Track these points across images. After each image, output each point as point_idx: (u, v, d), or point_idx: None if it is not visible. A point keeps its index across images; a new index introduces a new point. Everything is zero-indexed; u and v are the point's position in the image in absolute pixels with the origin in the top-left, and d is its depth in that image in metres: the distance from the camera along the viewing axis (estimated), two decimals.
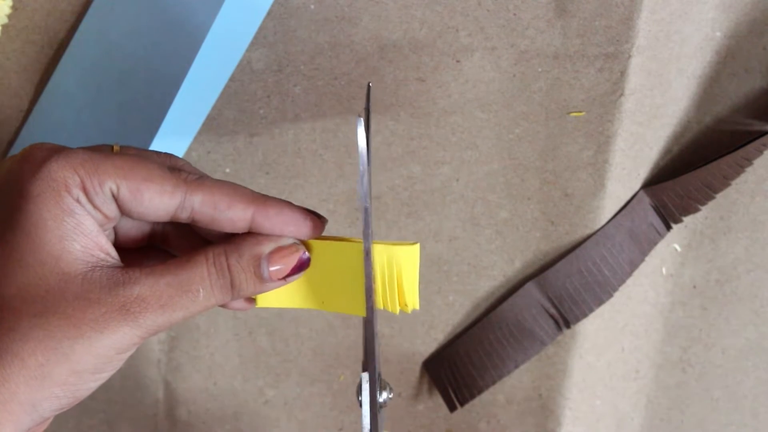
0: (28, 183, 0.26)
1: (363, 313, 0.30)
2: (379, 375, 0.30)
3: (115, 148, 0.30)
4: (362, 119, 0.28)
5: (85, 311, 0.26)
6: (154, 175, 0.27)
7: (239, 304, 0.31)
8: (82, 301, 0.26)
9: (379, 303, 0.31)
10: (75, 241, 0.26)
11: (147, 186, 0.27)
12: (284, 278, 0.29)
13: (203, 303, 0.28)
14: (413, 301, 0.31)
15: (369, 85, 0.33)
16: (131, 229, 0.31)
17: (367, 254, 0.29)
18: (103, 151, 0.28)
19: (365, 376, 0.29)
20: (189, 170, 0.30)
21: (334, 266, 0.31)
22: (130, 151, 0.30)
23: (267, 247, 0.29)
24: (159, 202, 0.27)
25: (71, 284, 0.26)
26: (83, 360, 0.26)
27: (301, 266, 0.29)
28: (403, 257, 0.30)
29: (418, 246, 0.31)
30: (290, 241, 0.29)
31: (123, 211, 0.28)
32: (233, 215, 0.28)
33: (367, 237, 0.29)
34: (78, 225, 0.26)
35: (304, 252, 0.30)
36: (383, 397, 0.30)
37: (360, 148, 0.28)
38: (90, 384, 0.27)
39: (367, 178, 0.28)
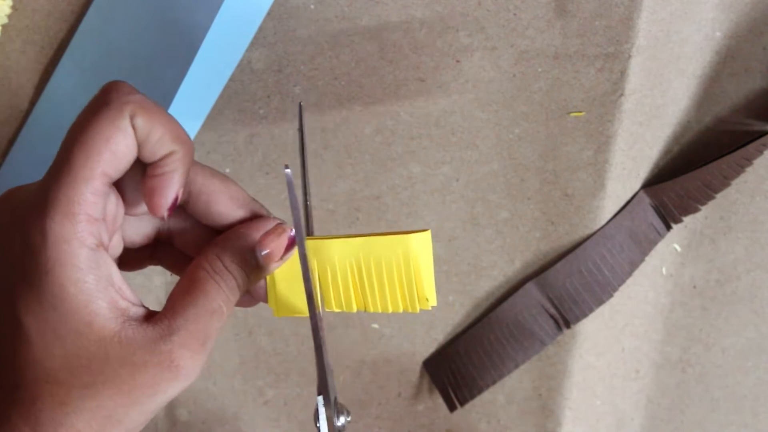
0: (42, 257, 0.25)
1: (374, 309, 0.30)
2: (335, 399, 0.30)
3: None
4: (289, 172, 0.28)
5: (135, 377, 0.26)
6: (104, 135, 0.26)
7: (243, 302, 0.32)
8: (128, 367, 0.26)
9: (397, 305, 0.30)
10: (100, 300, 0.26)
11: (117, 148, 0.26)
12: (280, 259, 0.30)
13: (226, 314, 0.28)
14: (432, 294, 0.30)
15: (300, 105, 0.32)
16: (136, 237, 0.31)
17: (303, 258, 0.29)
18: (58, 157, 0.27)
19: (320, 399, 0.29)
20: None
21: (337, 264, 0.30)
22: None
23: (252, 237, 0.29)
24: (125, 147, 0.27)
25: (110, 348, 0.26)
26: (137, 420, 0.27)
27: (292, 244, 0.30)
28: (417, 246, 0.29)
29: (429, 232, 0.30)
30: (273, 224, 0.30)
31: (120, 171, 0.27)
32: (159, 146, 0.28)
33: (302, 243, 0.29)
34: (98, 280, 0.26)
35: (291, 230, 0.30)
36: (341, 421, 0.29)
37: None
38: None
39: (298, 196, 0.28)
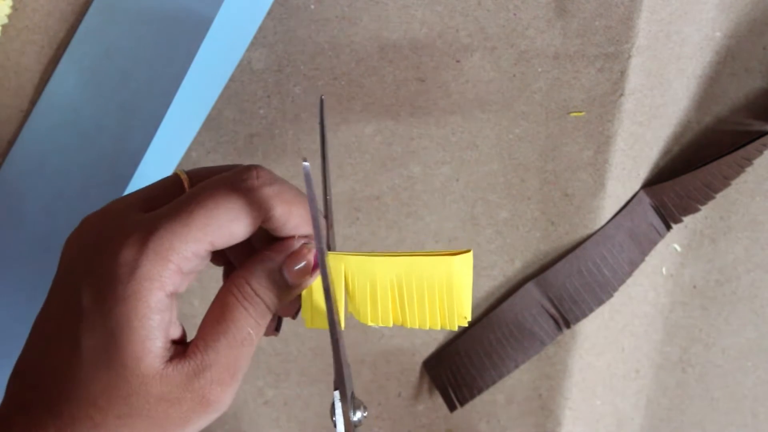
0: (121, 287, 0.26)
1: (411, 324, 0.30)
2: (353, 394, 0.30)
3: (182, 176, 0.30)
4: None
5: (168, 412, 0.27)
6: (232, 214, 0.27)
7: (267, 329, 0.32)
8: (163, 403, 0.27)
9: (436, 323, 0.30)
10: (157, 339, 0.27)
11: (238, 230, 0.28)
12: (310, 276, 0.30)
13: (256, 339, 0.29)
14: (468, 311, 0.30)
15: (322, 99, 0.32)
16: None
17: (323, 267, 0.29)
18: (181, 205, 0.28)
19: (337, 394, 0.29)
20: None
21: (377, 281, 0.30)
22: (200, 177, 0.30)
23: (279, 259, 0.29)
24: (244, 229, 0.28)
25: (151, 386, 0.27)
26: None
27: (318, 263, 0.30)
28: (460, 268, 0.29)
29: (471, 253, 0.30)
30: (299, 244, 0.30)
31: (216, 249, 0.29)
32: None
33: (322, 252, 0.29)
34: (162, 321, 0.27)
35: (315, 250, 0.30)
36: (357, 416, 0.30)
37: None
38: None
39: (314, 197, 0.28)
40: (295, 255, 0.29)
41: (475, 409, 0.49)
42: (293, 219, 0.29)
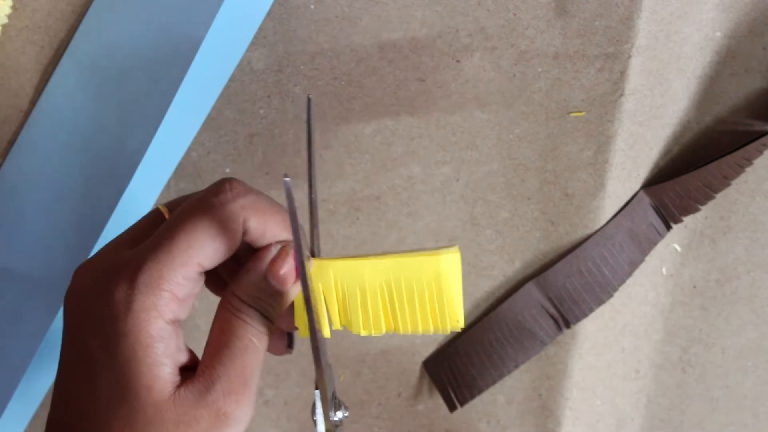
0: (121, 322, 0.27)
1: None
2: (334, 394, 0.30)
3: (162, 209, 0.30)
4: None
5: None
6: (212, 231, 0.28)
7: (278, 347, 0.33)
8: (182, 426, 0.27)
9: (428, 326, 0.30)
10: (165, 366, 0.27)
11: (221, 246, 0.28)
12: (296, 281, 0.30)
13: (261, 348, 0.29)
14: (461, 314, 0.30)
15: (309, 98, 0.32)
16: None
17: (304, 269, 0.29)
18: (162, 233, 0.28)
19: (317, 393, 0.29)
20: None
21: (367, 286, 0.30)
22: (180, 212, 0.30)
23: (262, 267, 0.29)
24: (227, 244, 0.28)
25: (166, 411, 0.27)
26: None
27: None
28: (448, 266, 0.29)
29: (457, 251, 0.29)
30: (275, 250, 0.30)
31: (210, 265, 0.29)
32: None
33: (303, 266, 0.29)
34: (167, 349, 0.27)
35: (293, 251, 0.30)
36: (338, 416, 0.30)
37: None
38: None
39: (299, 229, 0.28)
40: (276, 261, 0.29)
41: (475, 409, 0.49)
42: (270, 228, 0.29)
